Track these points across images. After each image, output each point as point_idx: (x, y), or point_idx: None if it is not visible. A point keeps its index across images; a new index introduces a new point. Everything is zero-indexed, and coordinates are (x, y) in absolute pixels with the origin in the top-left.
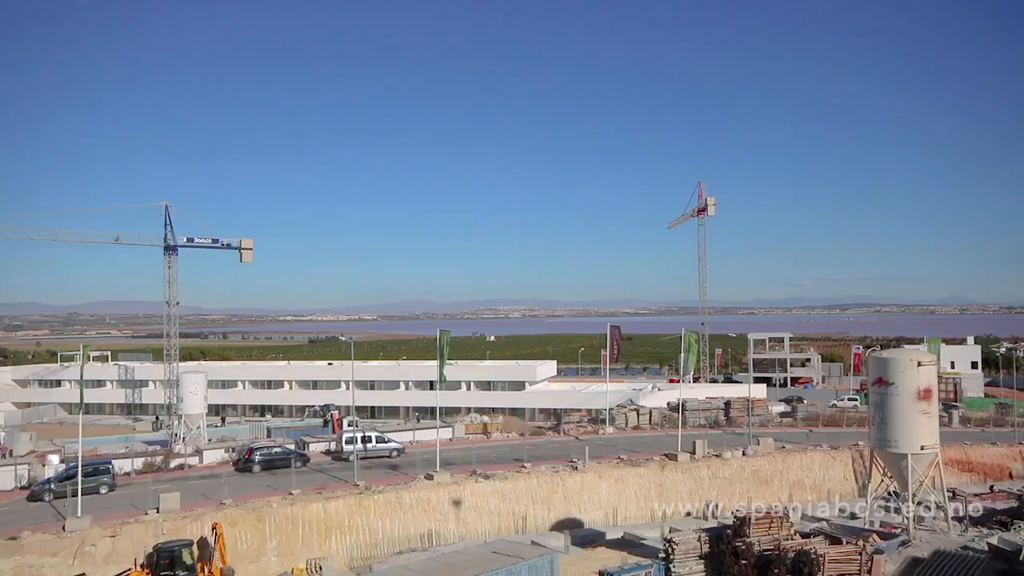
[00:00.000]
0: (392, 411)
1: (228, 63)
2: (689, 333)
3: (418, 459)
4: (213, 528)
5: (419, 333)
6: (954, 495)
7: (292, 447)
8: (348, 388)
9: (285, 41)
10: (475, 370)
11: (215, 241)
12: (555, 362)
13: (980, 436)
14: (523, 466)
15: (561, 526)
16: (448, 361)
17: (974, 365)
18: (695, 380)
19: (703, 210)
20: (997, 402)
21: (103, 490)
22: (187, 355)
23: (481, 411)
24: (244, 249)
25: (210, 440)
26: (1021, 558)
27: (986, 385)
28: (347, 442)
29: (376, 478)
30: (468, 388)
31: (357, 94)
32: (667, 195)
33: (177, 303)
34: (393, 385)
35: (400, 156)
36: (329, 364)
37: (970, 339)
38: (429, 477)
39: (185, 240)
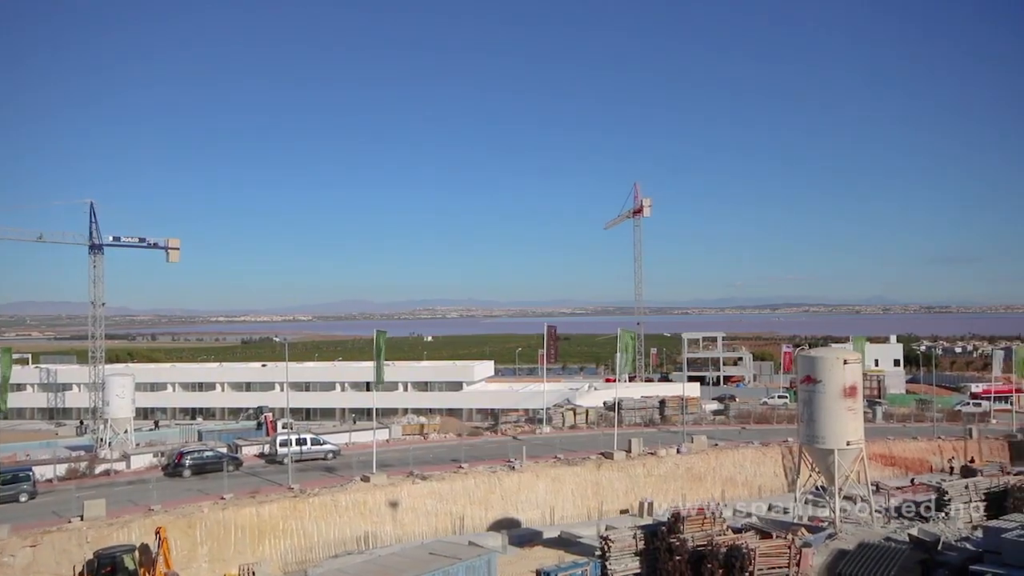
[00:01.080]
0: (328, 413)
1: (165, 60)
2: (625, 333)
3: (354, 461)
4: (156, 532)
5: (355, 334)
6: (878, 488)
7: (224, 450)
8: (282, 390)
9: (218, 37)
10: (412, 371)
11: (142, 240)
12: (492, 362)
13: (902, 431)
14: (460, 466)
15: (499, 526)
16: (385, 362)
17: (896, 363)
18: (631, 379)
19: (639, 211)
20: (918, 398)
21: (23, 498)
22: (114, 357)
23: (418, 412)
24: (171, 249)
25: (138, 444)
26: (939, 548)
27: (907, 382)
28: (281, 445)
29: (311, 481)
30: (405, 389)
31: (292, 93)
32: (604, 196)
33: (103, 304)
34: (329, 386)
35: (336, 155)
36: (263, 366)
37: (892, 338)
38: (365, 479)
39: (111, 239)
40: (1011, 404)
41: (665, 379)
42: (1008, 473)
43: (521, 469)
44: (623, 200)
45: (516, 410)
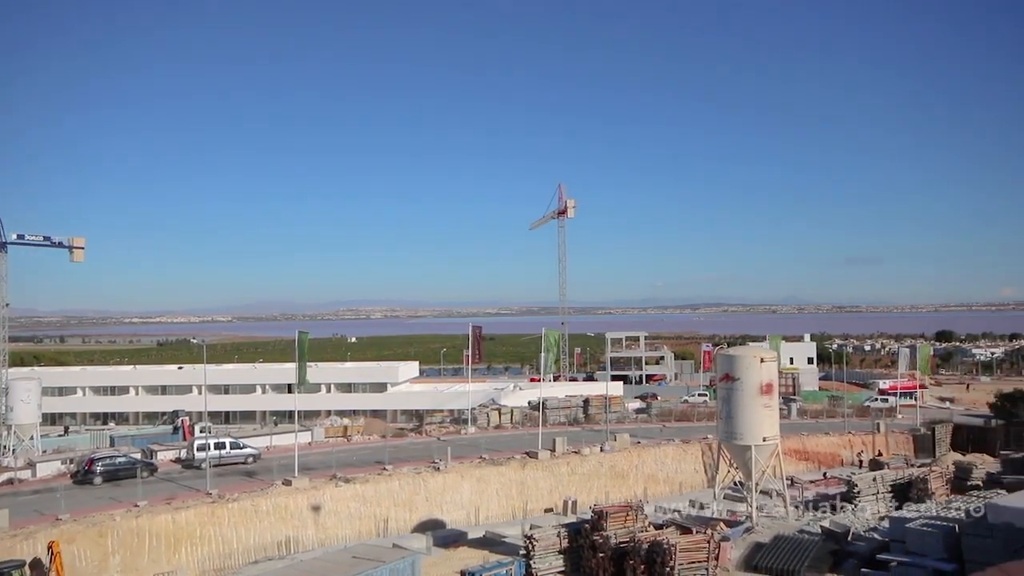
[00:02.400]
0: (248, 416)
1: (82, 55)
2: (549, 333)
3: (275, 465)
4: (49, 547)
5: (277, 335)
6: (792, 483)
7: (138, 456)
8: (200, 393)
9: (135, 30)
10: (335, 372)
11: (47, 239)
12: (417, 363)
13: (815, 427)
14: (385, 468)
15: (423, 527)
16: (307, 363)
17: (810, 361)
18: (555, 379)
19: (563, 212)
20: (830, 395)
21: None
22: (18, 360)
23: (342, 414)
24: (75, 248)
25: (45, 451)
26: (849, 538)
27: (820, 379)
28: (199, 449)
29: (230, 486)
30: (328, 390)
31: (214, 86)
32: (529, 196)
33: (7, 304)
34: (249, 389)
35: (256, 151)
36: (179, 368)
37: (807, 336)
38: (287, 483)
39: (15, 237)
40: (915, 400)
41: (590, 378)
42: (912, 465)
43: (446, 470)
44: (548, 201)
45: (441, 411)
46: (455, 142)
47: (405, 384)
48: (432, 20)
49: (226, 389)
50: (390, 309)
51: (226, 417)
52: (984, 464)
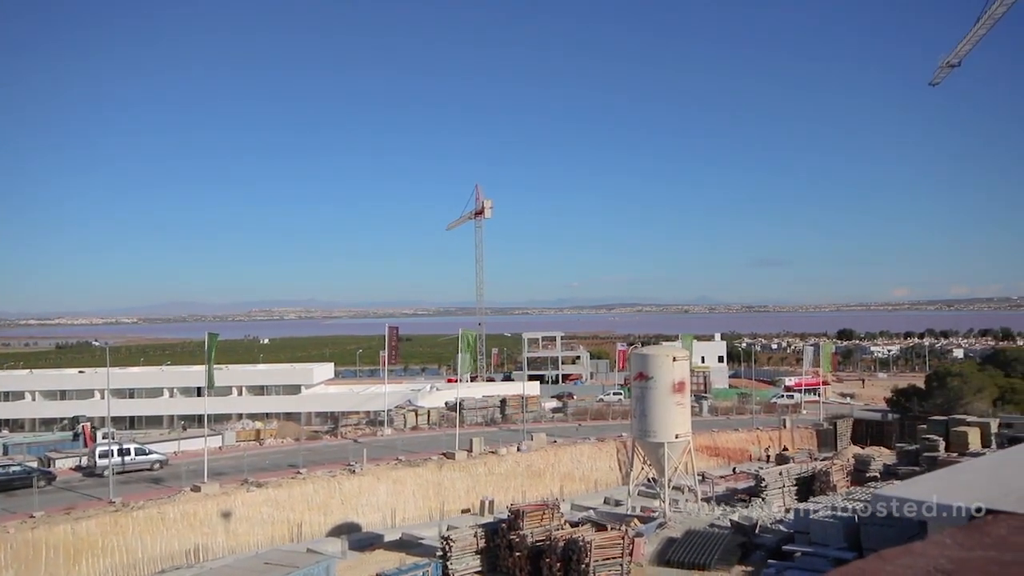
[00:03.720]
0: (155, 420)
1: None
2: (466, 333)
3: (184, 470)
4: None
5: (185, 336)
6: (703, 478)
7: (34, 464)
8: (103, 397)
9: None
10: (247, 374)
11: None
12: (332, 364)
13: (725, 423)
14: (299, 472)
15: (339, 531)
16: (217, 366)
17: (720, 359)
18: (472, 379)
19: (480, 212)
20: (739, 392)
21: None
22: None
23: (254, 417)
24: None
25: None
26: (757, 531)
27: (730, 377)
28: (101, 456)
29: (135, 493)
30: (240, 393)
31: (116, 81)
32: (446, 197)
33: None
34: (156, 392)
35: (161, 148)
36: (80, 372)
37: (717, 335)
38: (196, 489)
39: None
40: (818, 396)
41: (507, 379)
42: (815, 459)
43: (362, 472)
44: (465, 201)
45: (357, 413)
46: (370, 141)
47: (320, 386)
48: (344, 18)
49: (131, 393)
50: (305, 310)
51: (131, 422)
52: (881, 456)
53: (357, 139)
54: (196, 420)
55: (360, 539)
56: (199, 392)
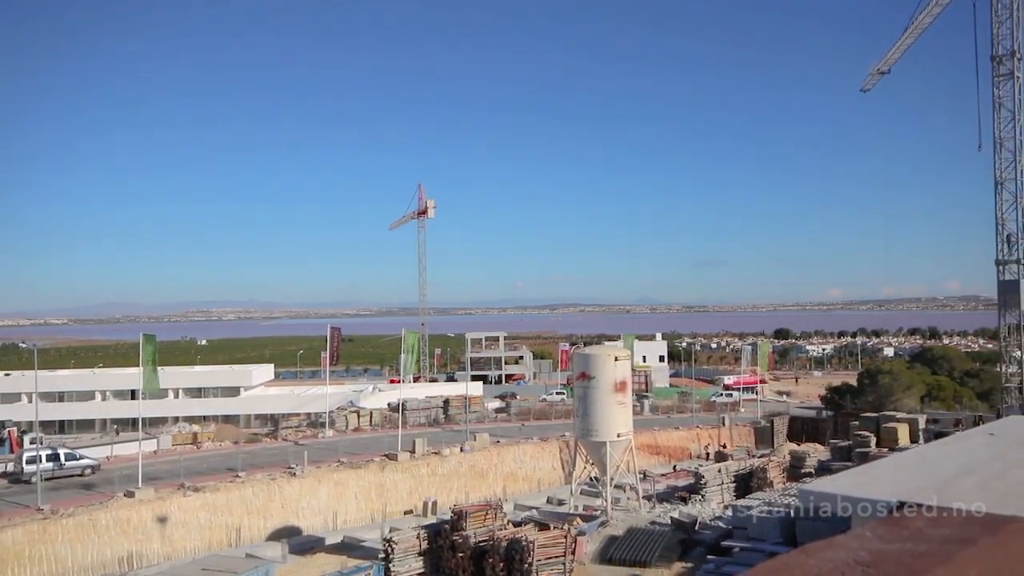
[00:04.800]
0: (86, 424)
1: None
2: (410, 334)
3: (117, 476)
4: None
5: (119, 338)
6: (645, 476)
7: None
8: (31, 401)
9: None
10: (184, 376)
11: None
12: (272, 366)
13: (666, 422)
14: (237, 475)
15: (279, 535)
16: (153, 367)
17: (661, 359)
18: (415, 380)
19: (423, 212)
20: (679, 391)
21: None
22: None
23: (191, 420)
24: None
25: None
26: (696, 527)
27: (671, 376)
28: (28, 462)
29: (65, 500)
30: (176, 396)
31: (48, 78)
32: (389, 196)
33: None
34: (87, 396)
35: (92, 144)
36: (6, 375)
37: (658, 335)
38: (130, 494)
39: None
40: (756, 394)
41: (451, 379)
42: (753, 456)
43: (302, 475)
44: (408, 201)
45: (297, 414)
46: (309, 136)
47: (259, 388)
48: (280, 11)
49: (61, 396)
50: (244, 310)
51: (61, 426)
52: (816, 453)
53: (296, 136)
54: (130, 424)
55: (301, 542)
56: (133, 395)
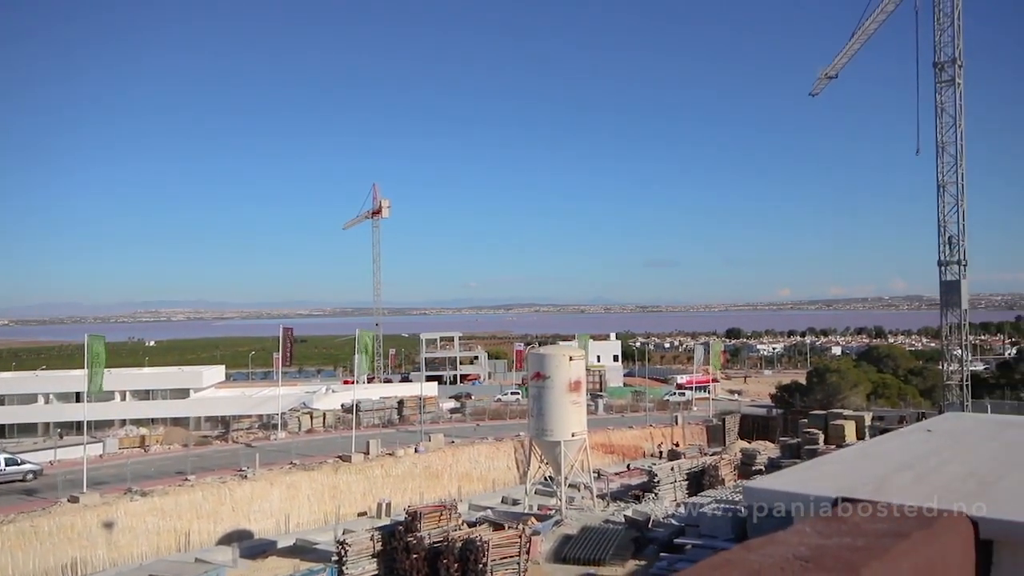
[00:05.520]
0: (28, 428)
1: None
2: (364, 334)
3: (60, 480)
4: None
5: (63, 339)
6: (599, 475)
7: None
8: None
9: None
10: (132, 378)
11: None
12: (223, 367)
13: (620, 421)
14: (187, 479)
15: (230, 539)
16: (100, 369)
17: (615, 358)
18: (369, 381)
19: (378, 212)
20: (633, 390)
21: None
22: None
23: (139, 423)
24: None
25: None
26: (650, 525)
27: (625, 376)
28: None
29: (6, 506)
30: (123, 398)
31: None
32: (343, 195)
33: None
34: (29, 399)
35: (35, 139)
36: None
37: (612, 335)
38: (74, 500)
39: None
40: (708, 393)
41: (405, 379)
42: (705, 454)
43: (254, 477)
44: (363, 200)
45: (249, 416)
46: (263, 135)
47: (210, 389)
48: (232, 6)
49: (1, 400)
50: (194, 311)
51: (1, 431)
52: (766, 450)
53: (248, 133)
54: (75, 427)
55: (252, 546)
56: (78, 398)
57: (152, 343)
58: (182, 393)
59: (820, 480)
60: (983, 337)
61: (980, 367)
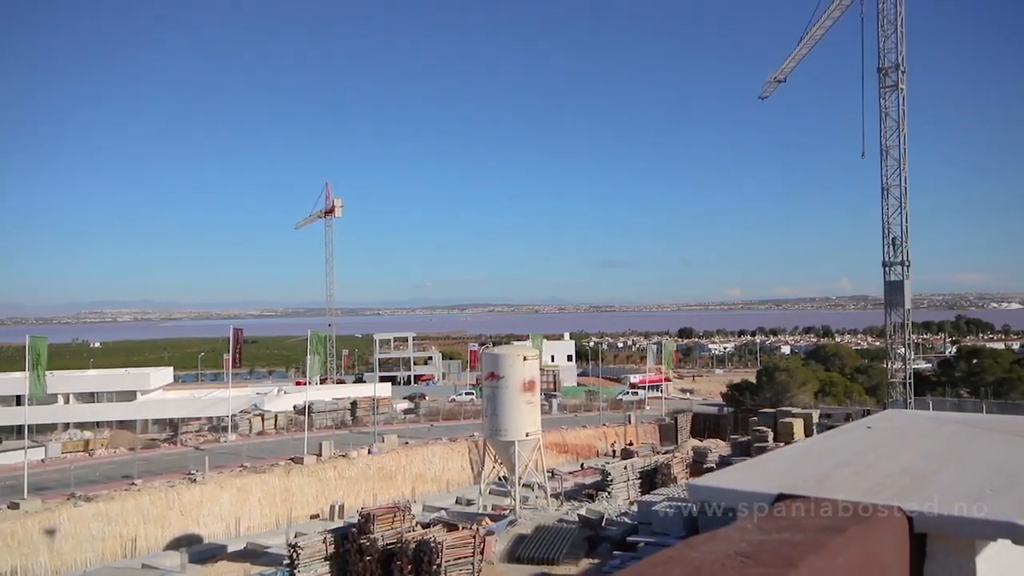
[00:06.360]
0: None
1: None
2: (316, 334)
3: (0, 486)
4: None
5: (4, 341)
6: (553, 475)
7: None
8: None
9: None
10: (76, 380)
11: None
12: (172, 368)
13: (574, 420)
14: (133, 483)
15: (178, 544)
16: (42, 371)
17: (569, 358)
18: (322, 382)
19: (331, 211)
20: (587, 390)
21: None
22: None
23: (83, 426)
24: None
25: None
26: (603, 524)
27: (579, 375)
28: None
29: None
30: (67, 401)
31: None
32: (295, 195)
33: None
34: None
35: None
36: None
37: (566, 335)
38: (14, 506)
39: None
40: (661, 392)
41: (359, 380)
42: (658, 453)
43: (203, 481)
44: (315, 199)
45: (198, 419)
46: (211, 130)
47: (158, 391)
48: (193, 9)
49: None
50: (141, 311)
51: None
52: (718, 448)
53: (197, 129)
54: (15, 431)
55: (202, 551)
56: (19, 401)
57: (98, 344)
58: (128, 395)
59: (763, 477)
60: (925, 336)
61: (923, 365)
